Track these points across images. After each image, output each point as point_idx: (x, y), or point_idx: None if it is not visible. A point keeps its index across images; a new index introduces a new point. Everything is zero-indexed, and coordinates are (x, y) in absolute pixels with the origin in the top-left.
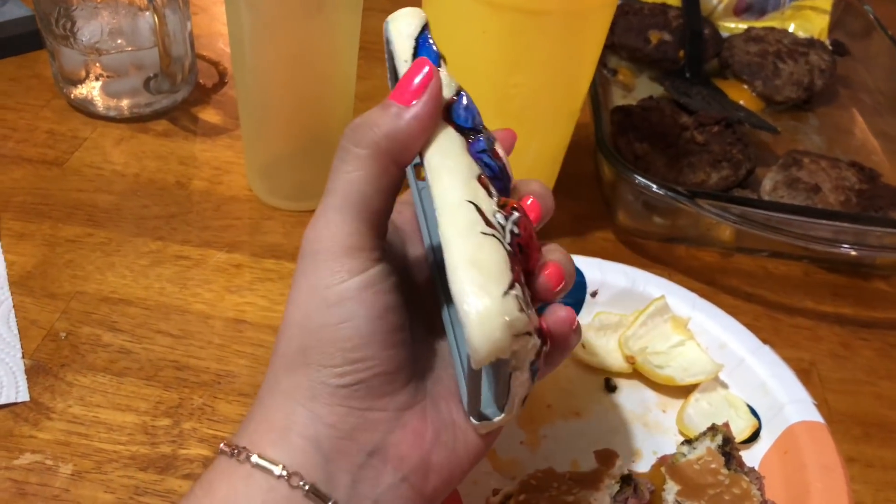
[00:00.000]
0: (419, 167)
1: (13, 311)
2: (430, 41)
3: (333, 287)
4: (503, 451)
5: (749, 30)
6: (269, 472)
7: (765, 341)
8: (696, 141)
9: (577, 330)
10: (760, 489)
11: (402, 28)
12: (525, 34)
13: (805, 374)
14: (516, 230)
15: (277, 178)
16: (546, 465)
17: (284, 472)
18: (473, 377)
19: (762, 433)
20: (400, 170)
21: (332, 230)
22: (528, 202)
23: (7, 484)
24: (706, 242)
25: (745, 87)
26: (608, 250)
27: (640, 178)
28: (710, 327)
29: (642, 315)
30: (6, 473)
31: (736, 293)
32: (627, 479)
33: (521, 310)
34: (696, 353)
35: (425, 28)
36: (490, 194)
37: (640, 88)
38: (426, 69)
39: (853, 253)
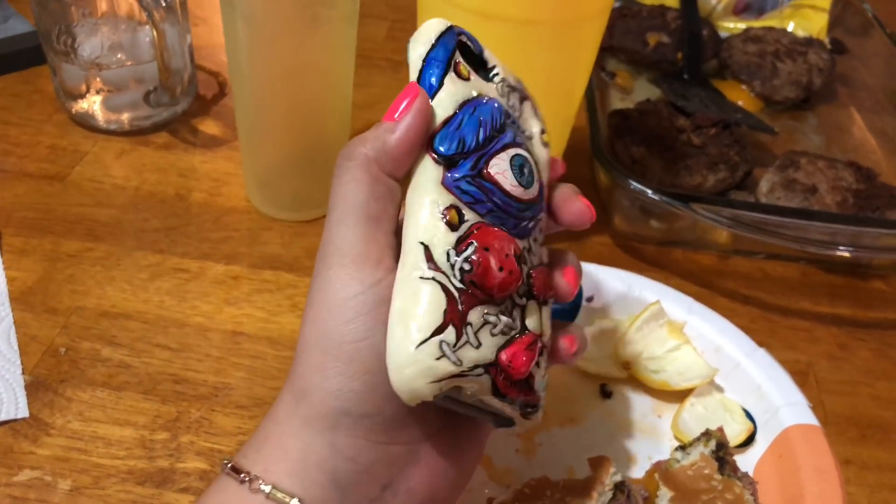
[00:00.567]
0: None
1: (13, 328)
2: (439, 59)
3: (348, 301)
4: (498, 459)
5: (747, 30)
6: None
7: (761, 344)
8: (692, 144)
9: (579, 351)
10: (753, 494)
11: (415, 50)
12: (518, 44)
13: (802, 376)
14: (467, 266)
15: (275, 189)
16: (541, 473)
17: None
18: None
19: (758, 437)
20: (392, 181)
21: (337, 242)
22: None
23: (6, 501)
24: (703, 245)
25: (744, 87)
26: (605, 255)
27: (635, 184)
28: (706, 331)
29: (638, 320)
30: (5, 490)
31: (733, 296)
32: (621, 486)
33: (441, 357)
34: (691, 358)
35: (439, 42)
36: (457, 225)
37: (638, 91)
38: (411, 91)
39: (847, 255)
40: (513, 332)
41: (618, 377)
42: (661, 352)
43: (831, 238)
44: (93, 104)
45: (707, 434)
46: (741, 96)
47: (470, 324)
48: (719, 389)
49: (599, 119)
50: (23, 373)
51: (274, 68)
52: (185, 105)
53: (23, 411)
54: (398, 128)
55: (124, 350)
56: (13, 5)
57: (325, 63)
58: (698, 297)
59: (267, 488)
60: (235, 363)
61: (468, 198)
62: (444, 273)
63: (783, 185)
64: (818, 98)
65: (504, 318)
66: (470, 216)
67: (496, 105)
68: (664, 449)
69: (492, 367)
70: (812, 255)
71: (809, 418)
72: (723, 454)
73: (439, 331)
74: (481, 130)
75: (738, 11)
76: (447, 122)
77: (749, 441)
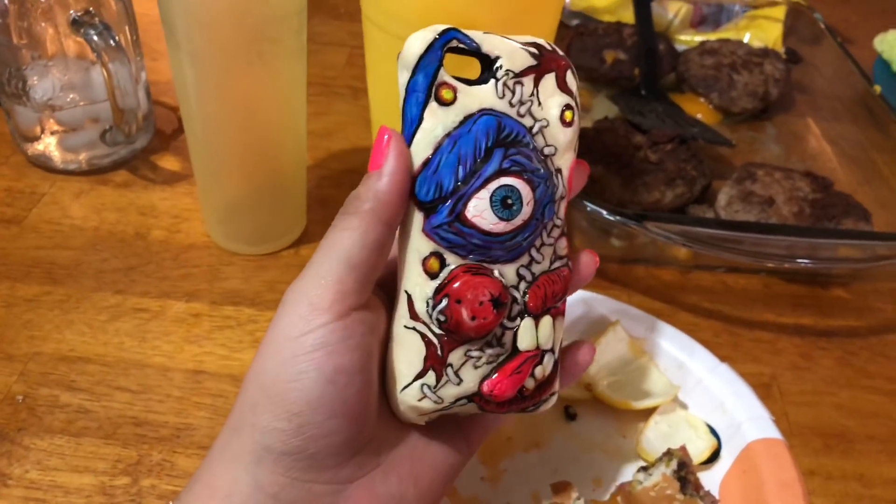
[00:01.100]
0: None
1: None
2: (419, 88)
3: (287, 341)
4: (463, 488)
5: (703, 43)
6: None
7: (723, 358)
8: (649, 160)
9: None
10: None
11: (400, 75)
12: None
13: (765, 389)
14: (442, 318)
15: (234, 224)
16: (505, 501)
17: None
18: None
19: (722, 453)
20: (388, 228)
21: (302, 283)
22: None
23: None
24: (664, 261)
25: (702, 100)
26: None
27: (590, 205)
28: (668, 348)
29: (599, 340)
30: None
31: (695, 310)
32: None
33: (423, 398)
34: (653, 376)
35: (419, 66)
36: (437, 273)
37: (597, 109)
38: (385, 137)
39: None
40: (500, 358)
41: (581, 398)
42: (623, 371)
43: (789, 250)
44: (48, 145)
45: (669, 454)
46: (700, 109)
47: (451, 364)
48: (683, 406)
49: None
50: None
51: (223, 106)
52: (145, 142)
53: None
54: (383, 174)
55: (84, 395)
56: None
57: (275, 98)
58: (661, 313)
59: None
60: (197, 403)
61: (447, 243)
62: (423, 323)
63: (740, 197)
64: (776, 108)
65: (489, 350)
66: (452, 260)
67: (484, 122)
68: (629, 470)
69: (475, 396)
70: (773, 267)
71: (772, 432)
72: (685, 473)
73: (420, 376)
74: (460, 169)
75: (695, 24)
76: (427, 163)
77: (714, 457)
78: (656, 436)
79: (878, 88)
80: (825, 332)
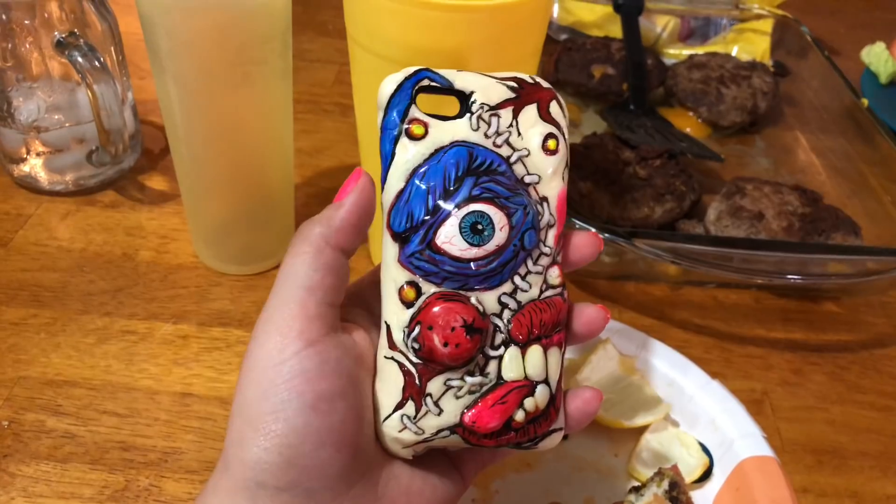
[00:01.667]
0: None
1: None
2: (390, 127)
3: (265, 371)
4: None
5: (692, 57)
6: None
7: (715, 375)
8: (638, 176)
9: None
10: None
11: (378, 115)
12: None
13: (757, 405)
14: (416, 346)
15: (222, 244)
16: None
17: None
18: None
19: (714, 471)
20: (338, 252)
21: (269, 312)
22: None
23: None
24: (654, 277)
25: (691, 114)
26: None
27: (579, 222)
28: (659, 365)
29: (590, 359)
30: None
31: (686, 326)
32: None
33: (403, 429)
34: (644, 394)
35: (390, 106)
36: (413, 301)
37: (586, 124)
38: (357, 174)
39: (793, 280)
40: (484, 388)
41: None
42: (614, 389)
43: (779, 265)
44: (34, 167)
45: (660, 473)
46: (689, 123)
47: (430, 394)
48: (675, 424)
49: None
50: None
51: (209, 128)
52: (132, 161)
53: None
54: (343, 205)
55: (70, 419)
56: None
57: (261, 119)
58: (652, 330)
59: None
60: (185, 426)
61: (421, 272)
62: (401, 352)
63: (730, 212)
64: (765, 121)
65: (470, 379)
66: (427, 288)
67: (454, 153)
68: (622, 489)
69: (458, 427)
70: (763, 283)
71: (764, 450)
72: (676, 493)
73: (399, 406)
74: (430, 198)
75: (683, 38)
76: (399, 195)
77: (706, 476)
78: (648, 454)
79: (865, 102)
80: (816, 347)
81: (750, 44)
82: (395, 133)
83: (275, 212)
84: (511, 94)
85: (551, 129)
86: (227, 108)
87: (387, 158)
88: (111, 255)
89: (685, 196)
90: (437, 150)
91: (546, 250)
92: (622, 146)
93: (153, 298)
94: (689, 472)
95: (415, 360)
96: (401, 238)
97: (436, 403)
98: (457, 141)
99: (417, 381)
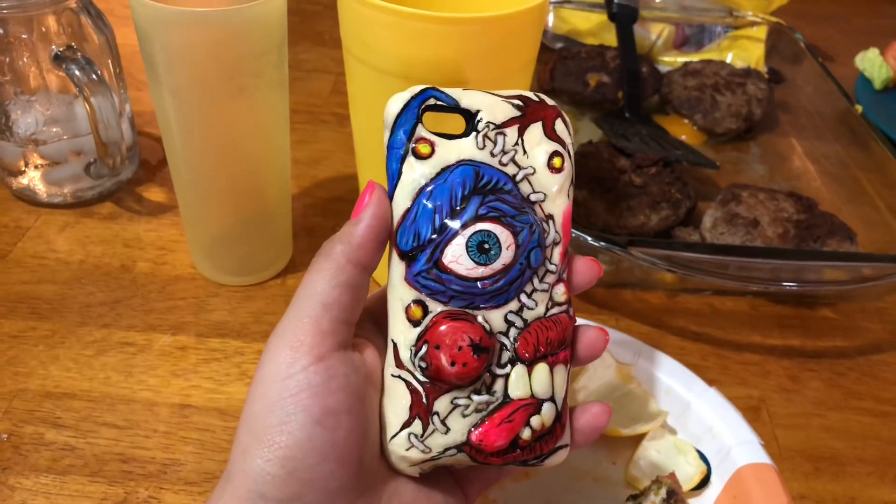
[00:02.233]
0: None
1: None
2: (396, 146)
3: (274, 384)
4: None
5: (686, 64)
6: None
7: (712, 382)
8: (633, 184)
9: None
10: None
11: (384, 135)
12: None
13: (754, 412)
14: (423, 365)
15: (220, 255)
16: None
17: None
18: None
19: (712, 478)
20: (358, 270)
21: (283, 325)
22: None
23: None
24: (651, 285)
25: (686, 121)
26: None
27: (575, 231)
28: (656, 373)
29: (586, 367)
30: None
31: (683, 334)
32: None
33: (411, 447)
34: (641, 402)
35: (396, 126)
36: (420, 320)
37: (582, 132)
38: (371, 187)
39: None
40: (491, 407)
41: None
42: (610, 397)
43: (774, 273)
44: (33, 179)
45: (658, 481)
46: (684, 130)
47: (437, 413)
48: (672, 432)
49: None
50: None
51: (205, 140)
52: (130, 173)
53: None
54: (361, 219)
55: (69, 431)
56: None
57: (258, 131)
58: (649, 338)
59: None
60: (184, 437)
61: (428, 291)
62: (408, 370)
63: (725, 219)
64: (760, 128)
65: (477, 398)
66: (434, 307)
67: (461, 172)
68: (619, 498)
69: (465, 445)
70: (759, 290)
71: (762, 457)
72: (674, 501)
73: (406, 425)
74: (436, 217)
75: (678, 45)
76: (406, 214)
77: (704, 483)
78: (646, 462)
79: (859, 108)
80: (813, 354)
81: (744, 51)
82: (402, 152)
83: (272, 223)
84: (516, 113)
85: (556, 147)
86: (224, 120)
87: (393, 177)
88: (109, 266)
89: (681, 203)
90: (443, 170)
91: (552, 268)
92: (618, 154)
93: (151, 310)
94: (687, 479)
95: (422, 378)
96: (408, 257)
97: (443, 422)
98: (463, 160)
99: (424, 400)
